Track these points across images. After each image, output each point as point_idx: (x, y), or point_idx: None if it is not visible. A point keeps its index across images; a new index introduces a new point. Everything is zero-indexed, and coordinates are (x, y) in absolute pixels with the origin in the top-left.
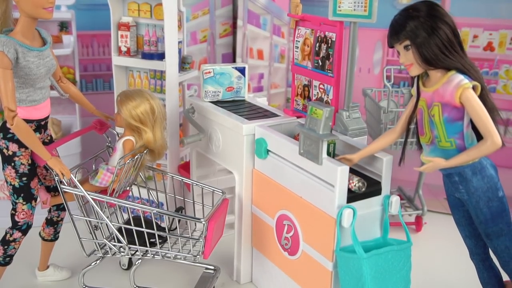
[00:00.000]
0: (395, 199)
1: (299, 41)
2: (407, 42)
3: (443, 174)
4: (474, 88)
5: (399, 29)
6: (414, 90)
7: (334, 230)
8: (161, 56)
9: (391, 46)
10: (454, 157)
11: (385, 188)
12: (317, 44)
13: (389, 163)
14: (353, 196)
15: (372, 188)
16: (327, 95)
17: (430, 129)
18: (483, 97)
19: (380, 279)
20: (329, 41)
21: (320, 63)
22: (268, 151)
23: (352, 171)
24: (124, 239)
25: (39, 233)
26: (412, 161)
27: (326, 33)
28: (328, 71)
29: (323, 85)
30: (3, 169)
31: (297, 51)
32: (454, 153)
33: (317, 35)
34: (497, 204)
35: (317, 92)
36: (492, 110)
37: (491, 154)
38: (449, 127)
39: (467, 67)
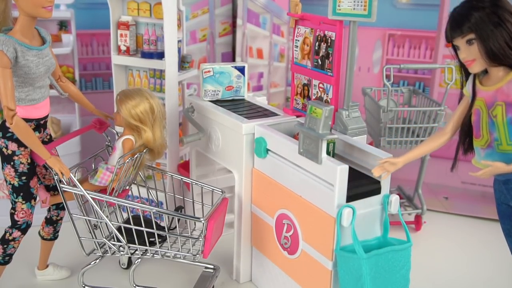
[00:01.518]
0: (395, 198)
1: (298, 40)
2: (471, 36)
3: (498, 180)
4: None
5: (462, 21)
6: (466, 90)
7: (334, 229)
8: (160, 55)
9: (450, 41)
10: None
11: (385, 187)
12: (317, 43)
13: None
14: (352, 195)
15: (371, 187)
16: (327, 94)
17: (488, 131)
18: None
19: (380, 278)
20: (329, 40)
21: (320, 62)
22: (267, 150)
23: (352, 170)
24: (123, 238)
25: (39, 232)
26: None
27: (326, 32)
28: (328, 70)
29: (323, 84)
30: (2, 168)
31: (297, 50)
32: None
33: (317, 34)
34: None
35: (317, 91)
36: None
37: None
38: None
39: None
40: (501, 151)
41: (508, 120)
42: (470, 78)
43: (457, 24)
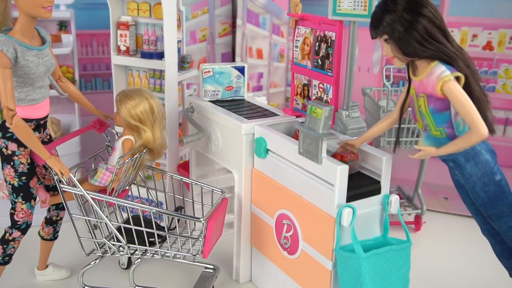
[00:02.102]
0: (395, 198)
1: (298, 41)
2: (386, 36)
3: (446, 159)
4: (457, 78)
5: (377, 23)
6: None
7: (334, 229)
8: (160, 55)
9: (373, 38)
10: (443, 146)
11: (385, 187)
12: (317, 44)
13: (388, 162)
14: (352, 195)
15: (371, 187)
16: (327, 94)
17: (421, 118)
18: (470, 86)
19: (379, 278)
20: (329, 41)
21: (320, 63)
22: (267, 150)
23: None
24: (123, 238)
25: (38, 233)
26: (412, 160)
27: (326, 32)
28: (328, 70)
29: (323, 85)
30: (2, 168)
31: (297, 51)
32: (445, 141)
33: (317, 35)
34: (494, 188)
35: (317, 92)
36: (479, 99)
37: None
38: (437, 117)
39: (451, 56)
40: (433, 135)
41: (430, 110)
42: (406, 67)
43: (373, 26)
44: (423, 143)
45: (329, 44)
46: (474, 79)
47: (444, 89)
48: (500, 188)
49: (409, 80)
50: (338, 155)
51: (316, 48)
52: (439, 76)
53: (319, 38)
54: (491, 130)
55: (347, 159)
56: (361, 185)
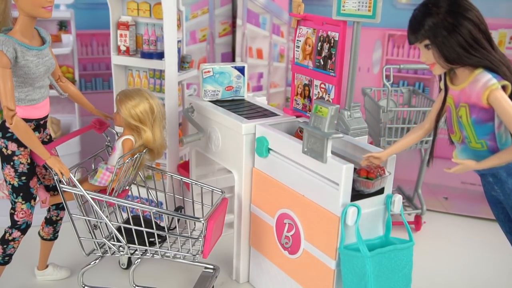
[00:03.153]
0: (398, 198)
1: (300, 41)
2: (427, 41)
3: (485, 174)
4: (504, 87)
5: (417, 27)
6: (442, 84)
7: (338, 228)
8: (160, 55)
9: (411, 44)
10: (485, 159)
11: (388, 187)
12: (319, 44)
13: (392, 162)
14: (355, 194)
15: None
16: (329, 94)
17: (459, 129)
18: None
19: (383, 277)
20: (332, 41)
21: (322, 63)
22: (269, 149)
23: (354, 170)
24: (123, 238)
25: (38, 233)
26: (412, 160)
27: (329, 32)
28: (330, 70)
29: (325, 85)
30: (2, 168)
31: (298, 51)
32: (486, 154)
33: (319, 35)
34: None
35: (318, 92)
36: None
37: None
38: (479, 128)
39: (497, 64)
40: (472, 148)
41: (472, 121)
42: (443, 75)
43: (413, 30)
44: (459, 156)
45: (331, 44)
46: None
47: (490, 99)
48: None
49: (446, 89)
50: (364, 171)
51: (319, 48)
52: (485, 85)
53: (321, 38)
54: None
55: (373, 175)
56: None
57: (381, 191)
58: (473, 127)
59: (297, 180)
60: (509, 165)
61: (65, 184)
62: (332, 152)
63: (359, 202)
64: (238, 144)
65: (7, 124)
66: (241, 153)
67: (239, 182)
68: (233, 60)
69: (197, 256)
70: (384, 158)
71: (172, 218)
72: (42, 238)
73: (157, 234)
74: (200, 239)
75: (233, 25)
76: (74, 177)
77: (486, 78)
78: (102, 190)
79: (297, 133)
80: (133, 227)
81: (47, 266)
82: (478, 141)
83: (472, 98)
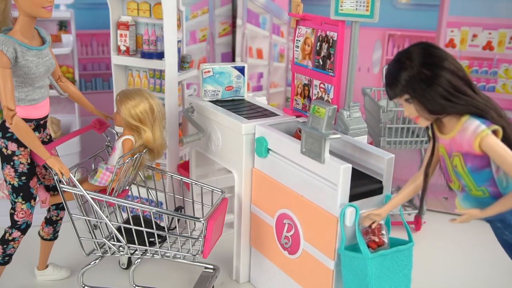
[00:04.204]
0: None
1: (299, 41)
2: (407, 96)
3: (493, 220)
4: (495, 132)
5: (394, 83)
6: (431, 133)
7: (336, 228)
8: (160, 55)
9: (391, 99)
10: (489, 207)
11: (387, 187)
12: (318, 44)
13: (390, 162)
14: (354, 195)
15: (373, 187)
16: (328, 94)
17: (457, 178)
18: (508, 137)
19: (384, 278)
20: (331, 41)
21: (321, 63)
22: (268, 150)
23: (353, 170)
24: (123, 238)
25: (38, 233)
26: (412, 161)
27: (328, 32)
28: (329, 70)
29: (324, 85)
30: (2, 168)
31: (298, 51)
32: (490, 201)
33: (318, 35)
34: None
35: (318, 92)
36: None
37: None
38: (476, 176)
39: (482, 108)
40: (474, 196)
41: (469, 169)
42: (430, 125)
43: (390, 86)
44: (462, 205)
45: (330, 44)
46: (510, 129)
47: (482, 146)
48: None
49: (434, 139)
50: (373, 243)
51: (318, 48)
52: (474, 132)
53: (320, 38)
54: None
55: (381, 241)
56: (363, 185)
57: (379, 191)
58: (471, 175)
59: (296, 181)
60: None
61: (65, 184)
62: (331, 152)
63: (357, 203)
64: (238, 144)
65: (7, 124)
66: (241, 153)
67: (239, 182)
68: (233, 60)
69: (197, 256)
70: (385, 215)
71: (172, 218)
72: (42, 238)
73: (157, 234)
74: (200, 239)
75: (233, 25)
76: (74, 177)
77: (475, 125)
78: (102, 190)
79: (297, 133)
80: (133, 227)
81: (47, 266)
82: (478, 189)
83: (464, 147)
